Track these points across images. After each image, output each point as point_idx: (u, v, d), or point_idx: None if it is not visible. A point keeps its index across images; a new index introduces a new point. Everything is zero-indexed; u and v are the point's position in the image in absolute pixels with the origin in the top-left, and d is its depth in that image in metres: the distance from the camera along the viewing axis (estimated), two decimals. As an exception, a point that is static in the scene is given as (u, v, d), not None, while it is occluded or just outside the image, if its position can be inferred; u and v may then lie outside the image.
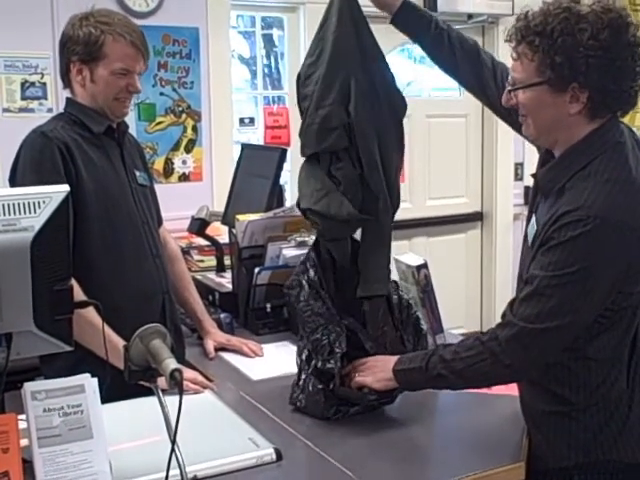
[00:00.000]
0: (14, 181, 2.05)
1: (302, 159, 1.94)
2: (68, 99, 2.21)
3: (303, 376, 1.89)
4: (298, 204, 1.96)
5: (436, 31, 1.94)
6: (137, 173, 2.27)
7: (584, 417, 1.62)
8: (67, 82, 2.18)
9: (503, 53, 1.80)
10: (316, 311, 1.87)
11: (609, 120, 1.59)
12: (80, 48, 2.09)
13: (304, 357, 1.89)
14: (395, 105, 1.93)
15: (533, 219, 1.67)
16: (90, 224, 2.06)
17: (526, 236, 1.70)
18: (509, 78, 1.64)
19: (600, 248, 1.50)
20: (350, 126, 1.86)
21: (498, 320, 1.63)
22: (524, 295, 1.57)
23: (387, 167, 1.91)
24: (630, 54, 1.55)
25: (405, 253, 2.41)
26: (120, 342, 1.68)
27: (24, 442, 1.43)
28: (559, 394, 1.63)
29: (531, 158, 5.17)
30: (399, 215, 2.00)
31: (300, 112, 1.93)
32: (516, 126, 1.75)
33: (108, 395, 1.57)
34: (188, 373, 2.01)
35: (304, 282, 1.90)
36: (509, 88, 1.64)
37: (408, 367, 1.74)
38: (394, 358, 1.79)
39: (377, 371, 1.80)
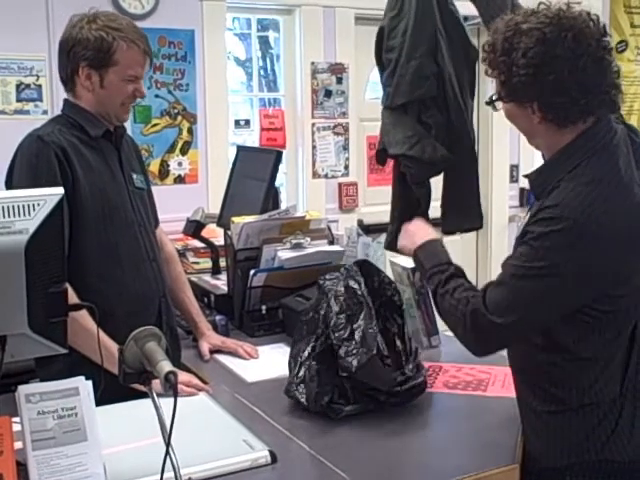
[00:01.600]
0: (10, 185, 2.04)
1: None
2: (66, 100, 2.18)
3: (307, 362, 1.87)
4: (380, 151, 2.17)
5: None
6: (134, 176, 2.25)
7: (577, 417, 1.62)
8: (71, 86, 2.14)
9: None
10: (350, 311, 1.86)
11: (598, 122, 1.58)
12: (91, 53, 2.06)
13: (310, 349, 1.87)
14: (468, 52, 2.13)
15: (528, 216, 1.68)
16: (87, 227, 2.05)
17: None
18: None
19: (570, 250, 1.49)
20: (440, 75, 2.04)
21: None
22: (495, 280, 1.60)
23: (466, 109, 2.12)
24: (568, 68, 1.50)
25: (400, 255, 2.41)
26: (114, 347, 1.68)
27: (18, 445, 1.43)
28: (553, 393, 1.64)
29: (526, 160, 5.19)
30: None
31: (379, 64, 2.11)
32: None
33: (103, 398, 1.57)
34: (183, 376, 2.00)
35: (341, 283, 1.91)
36: (486, 100, 1.68)
37: (421, 259, 1.77)
38: (424, 235, 1.81)
39: (408, 235, 1.85)
